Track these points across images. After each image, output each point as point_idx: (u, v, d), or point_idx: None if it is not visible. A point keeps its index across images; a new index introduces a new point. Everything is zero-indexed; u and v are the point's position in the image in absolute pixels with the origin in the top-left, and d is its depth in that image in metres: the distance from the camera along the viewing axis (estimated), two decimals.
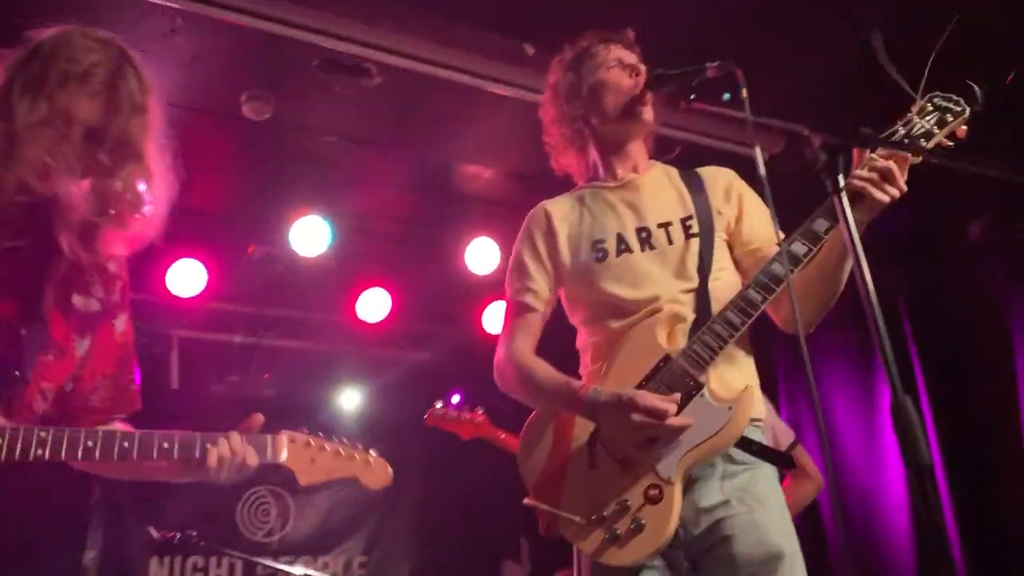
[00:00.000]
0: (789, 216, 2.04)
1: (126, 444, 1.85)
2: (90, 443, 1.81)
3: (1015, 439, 3.99)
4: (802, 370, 1.60)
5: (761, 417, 2.22)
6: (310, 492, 6.39)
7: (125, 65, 1.84)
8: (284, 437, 2.12)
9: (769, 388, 3.57)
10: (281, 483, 6.31)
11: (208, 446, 1.95)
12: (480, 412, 4.58)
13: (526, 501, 2.22)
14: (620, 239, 2.30)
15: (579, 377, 2.33)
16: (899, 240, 4.48)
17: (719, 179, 2.40)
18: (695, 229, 2.27)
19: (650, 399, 2.02)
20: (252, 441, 2.03)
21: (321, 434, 2.18)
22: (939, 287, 4.56)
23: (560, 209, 2.44)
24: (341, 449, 2.21)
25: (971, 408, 4.36)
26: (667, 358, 2.10)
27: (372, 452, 2.24)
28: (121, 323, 2.05)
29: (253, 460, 2.01)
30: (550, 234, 2.40)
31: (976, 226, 3.70)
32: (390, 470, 2.28)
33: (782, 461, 2.27)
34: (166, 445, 1.91)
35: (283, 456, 2.07)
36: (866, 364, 4.79)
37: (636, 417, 2.00)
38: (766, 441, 2.22)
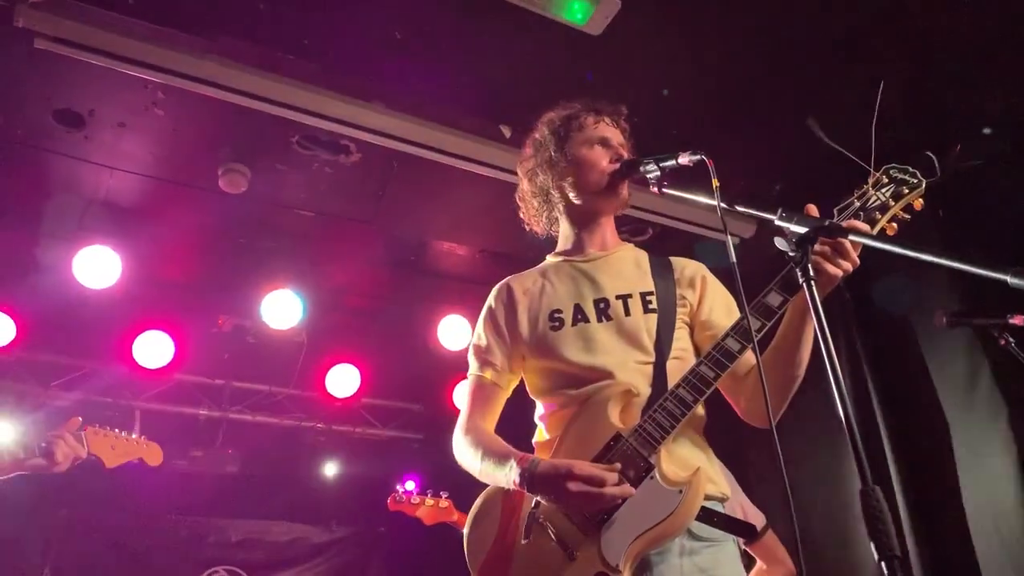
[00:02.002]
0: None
1: None
2: None
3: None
4: (773, 454, 1.57)
5: (719, 495, 2.13)
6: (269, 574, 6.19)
7: None
8: (90, 432, 3.12)
9: (739, 471, 3.55)
10: (239, 563, 6.12)
11: (45, 445, 2.85)
12: (445, 496, 4.46)
13: None
14: (577, 309, 2.29)
15: (532, 448, 2.28)
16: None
17: (687, 267, 2.40)
18: (654, 305, 2.26)
19: (587, 467, 1.96)
20: (77, 438, 2.99)
21: (108, 427, 3.25)
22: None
23: (522, 283, 2.44)
24: (126, 437, 3.32)
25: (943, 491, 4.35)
26: (618, 436, 2.03)
27: (143, 437, 3.41)
28: None
29: (82, 452, 2.97)
30: (511, 308, 2.39)
31: (942, 314, 3.74)
32: (161, 450, 3.48)
33: (746, 532, 2.17)
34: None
35: (92, 447, 3.11)
36: (837, 450, 4.77)
37: (573, 486, 1.94)
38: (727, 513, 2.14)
